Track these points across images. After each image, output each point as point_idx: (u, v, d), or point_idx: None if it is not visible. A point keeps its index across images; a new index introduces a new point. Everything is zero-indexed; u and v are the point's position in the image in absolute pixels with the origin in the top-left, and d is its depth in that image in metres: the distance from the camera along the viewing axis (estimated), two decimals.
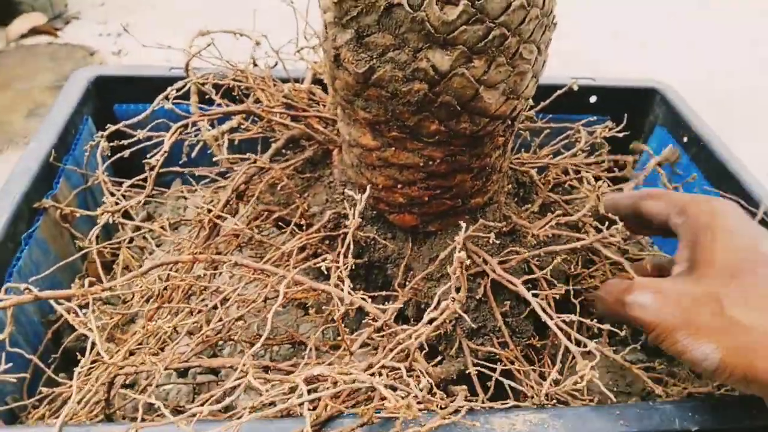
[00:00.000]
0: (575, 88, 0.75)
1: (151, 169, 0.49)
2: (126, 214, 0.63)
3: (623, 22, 1.71)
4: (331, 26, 0.45)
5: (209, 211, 0.55)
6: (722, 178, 0.71)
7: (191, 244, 0.54)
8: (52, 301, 0.46)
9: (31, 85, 1.22)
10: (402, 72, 0.43)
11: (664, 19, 1.74)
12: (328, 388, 0.39)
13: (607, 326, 0.46)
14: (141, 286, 0.48)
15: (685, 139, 0.78)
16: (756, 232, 0.45)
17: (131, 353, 0.46)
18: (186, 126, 0.54)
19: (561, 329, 0.44)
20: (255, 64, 0.65)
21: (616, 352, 0.46)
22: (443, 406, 0.42)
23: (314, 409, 0.40)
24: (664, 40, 1.61)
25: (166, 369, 0.41)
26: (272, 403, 0.39)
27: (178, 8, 1.58)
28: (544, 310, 0.46)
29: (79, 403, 0.40)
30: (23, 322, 0.52)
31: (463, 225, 0.44)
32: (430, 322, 0.41)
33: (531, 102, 0.74)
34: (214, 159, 0.62)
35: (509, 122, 0.50)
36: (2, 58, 1.31)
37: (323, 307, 0.57)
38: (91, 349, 0.44)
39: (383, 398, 0.36)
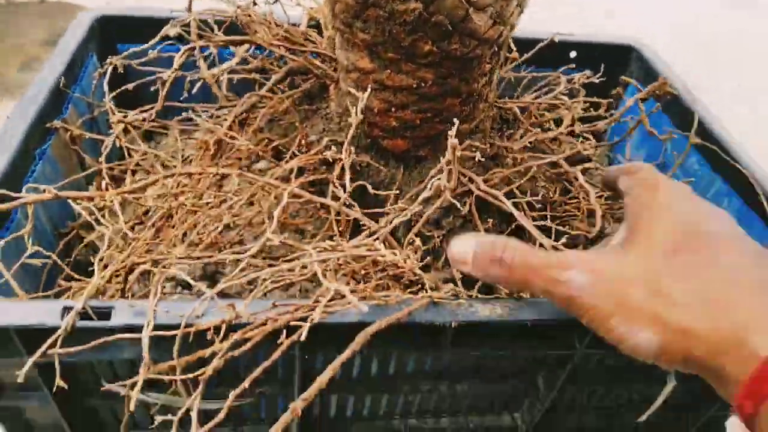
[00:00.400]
0: (556, 40, 0.80)
1: (163, 84, 0.53)
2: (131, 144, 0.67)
3: None
4: None
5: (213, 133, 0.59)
6: (691, 127, 0.76)
7: (198, 163, 0.58)
8: (71, 202, 0.50)
9: (23, 40, 1.24)
10: None
11: None
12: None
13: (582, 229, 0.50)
14: (154, 193, 0.52)
15: (658, 92, 0.83)
16: (701, 212, 0.41)
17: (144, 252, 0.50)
18: (192, 50, 0.57)
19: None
20: (255, 3, 0.68)
21: None
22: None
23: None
24: None
25: (179, 259, 0.45)
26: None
27: None
28: (521, 219, 0.50)
29: (104, 283, 0.44)
30: (38, 231, 0.56)
31: (454, 128, 0.48)
32: (425, 201, 0.45)
33: (516, 53, 0.79)
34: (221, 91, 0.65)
35: (495, 49, 0.55)
36: None
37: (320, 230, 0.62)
38: (108, 246, 0.48)
39: (383, 270, 0.40)
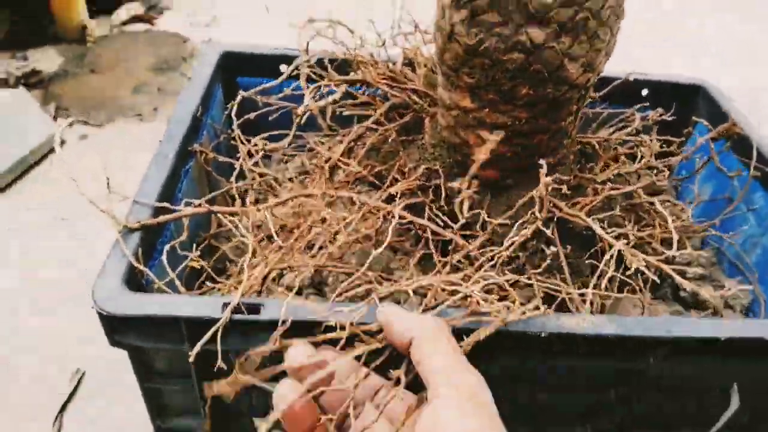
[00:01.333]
0: (630, 79, 0.86)
1: (297, 116, 0.62)
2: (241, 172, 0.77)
3: None
4: (448, 7, 0.57)
5: (328, 159, 0.68)
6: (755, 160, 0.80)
7: (315, 184, 0.67)
8: (220, 216, 0.59)
9: (134, 66, 1.38)
10: (504, 44, 0.55)
11: None
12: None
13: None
14: (281, 213, 0.61)
15: (726, 132, 0.88)
16: None
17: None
18: (318, 88, 0.66)
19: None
20: (363, 45, 0.77)
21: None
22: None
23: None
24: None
25: (313, 266, 0.54)
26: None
27: (256, 5, 1.73)
28: (599, 231, 0.57)
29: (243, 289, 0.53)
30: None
31: (544, 164, 0.55)
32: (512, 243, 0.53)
33: (592, 91, 0.86)
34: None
35: (583, 92, 0.62)
36: (108, 43, 1.47)
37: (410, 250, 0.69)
38: (249, 253, 0.57)
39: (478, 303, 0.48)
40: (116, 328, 0.51)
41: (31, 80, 1.31)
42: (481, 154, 0.58)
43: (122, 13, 1.51)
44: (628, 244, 0.56)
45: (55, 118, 1.21)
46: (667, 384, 0.62)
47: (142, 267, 0.52)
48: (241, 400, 0.61)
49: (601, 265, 0.58)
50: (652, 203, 0.64)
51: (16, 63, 1.37)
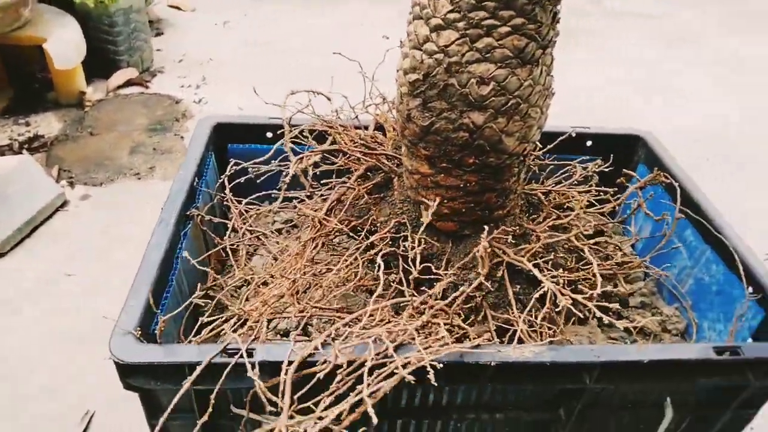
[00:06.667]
0: (573, 134, 0.99)
1: (285, 181, 0.73)
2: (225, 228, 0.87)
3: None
4: (405, 96, 0.69)
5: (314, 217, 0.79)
6: (684, 202, 0.92)
7: (304, 236, 0.77)
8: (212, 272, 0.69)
9: (130, 128, 1.50)
10: (452, 125, 0.67)
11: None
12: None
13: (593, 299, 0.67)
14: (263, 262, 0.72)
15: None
16: None
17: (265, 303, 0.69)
18: (301, 159, 0.78)
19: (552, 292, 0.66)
20: (338, 116, 0.89)
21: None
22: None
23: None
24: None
25: (297, 315, 0.64)
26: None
27: (241, 64, 1.86)
28: (542, 278, 0.68)
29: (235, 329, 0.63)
30: (183, 292, 0.76)
31: (486, 228, 0.66)
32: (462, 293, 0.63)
33: (539, 144, 0.98)
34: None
35: (521, 158, 0.74)
36: (105, 105, 1.59)
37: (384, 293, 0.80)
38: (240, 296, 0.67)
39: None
40: (128, 374, 0.61)
41: (34, 145, 1.42)
42: (427, 217, 0.68)
43: (117, 77, 1.63)
44: (558, 284, 0.67)
45: (57, 180, 1.31)
46: (608, 401, 0.72)
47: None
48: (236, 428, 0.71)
49: (531, 302, 0.69)
50: (586, 246, 0.75)
51: (19, 129, 1.47)
